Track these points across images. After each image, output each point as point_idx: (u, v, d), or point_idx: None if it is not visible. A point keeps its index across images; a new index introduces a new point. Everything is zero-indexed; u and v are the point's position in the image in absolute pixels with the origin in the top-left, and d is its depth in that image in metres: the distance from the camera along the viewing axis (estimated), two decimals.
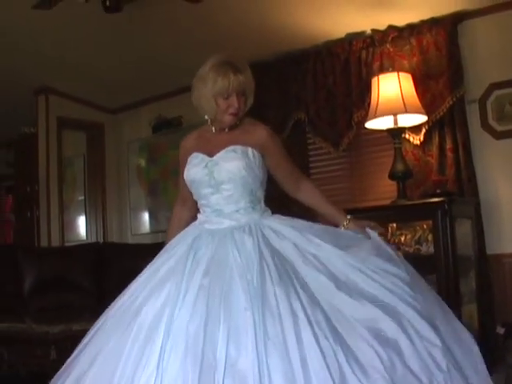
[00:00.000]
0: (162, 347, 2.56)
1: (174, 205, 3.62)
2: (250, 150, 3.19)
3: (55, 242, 7.85)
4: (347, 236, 3.26)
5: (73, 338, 4.31)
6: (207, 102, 3.19)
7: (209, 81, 3.14)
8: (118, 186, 8.62)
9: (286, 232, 3.11)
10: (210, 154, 3.23)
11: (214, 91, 3.14)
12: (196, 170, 3.24)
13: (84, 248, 7.53)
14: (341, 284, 2.87)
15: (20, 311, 6.23)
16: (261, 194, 3.28)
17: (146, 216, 8.30)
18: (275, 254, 2.95)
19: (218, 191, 3.18)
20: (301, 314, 2.60)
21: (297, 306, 2.64)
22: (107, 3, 4.90)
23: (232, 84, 3.10)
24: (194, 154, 3.29)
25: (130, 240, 8.35)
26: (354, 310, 2.73)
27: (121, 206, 8.59)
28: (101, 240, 8.41)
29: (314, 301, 2.73)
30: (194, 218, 3.37)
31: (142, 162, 8.34)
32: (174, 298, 2.75)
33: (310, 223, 3.25)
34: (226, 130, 3.28)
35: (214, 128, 3.31)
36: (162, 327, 2.64)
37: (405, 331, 2.70)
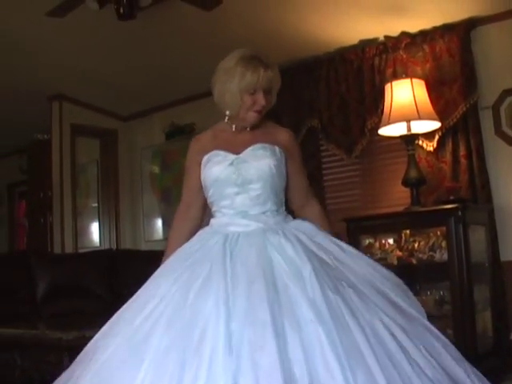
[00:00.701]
0: (225, 368, 2.22)
1: (176, 214, 3.36)
2: (277, 148, 3.07)
3: (68, 249, 7.87)
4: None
5: (86, 344, 4.32)
6: (232, 97, 3.01)
7: (236, 75, 2.97)
8: (132, 193, 8.64)
9: (317, 236, 2.95)
10: (235, 152, 3.05)
11: (241, 86, 2.97)
12: (220, 167, 3.03)
13: (97, 254, 7.55)
14: (388, 297, 2.73)
15: (33, 317, 6.25)
16: (283, 196, 3.14)
17: (159, 223, 8.31)
18: (319, 260, 2.75)
19: (244, 191, 2.99)
20: (364, 323, 2.45)
21: (359, 314, 2.48)
22: (121, 11, 4.91)
23: (261, 80, 2.96)
24: (214, 152, 3.09)
25: (143, 247, 8.36)
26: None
27: (134, 213, 8.61)
28: (114, 246, 8.43)
29: (373, 307, 2.57)
30: (196, 230, 3.17)
31: (155, 169, 8.36)
32: (224, 306, 2.44)
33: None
34: (248, 129, 3.13)
35: (234, 126, 3.14)
36: (221, 340, 2.30)
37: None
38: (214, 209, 3.12)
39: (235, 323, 2.36)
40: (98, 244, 8.86)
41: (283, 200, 3.12)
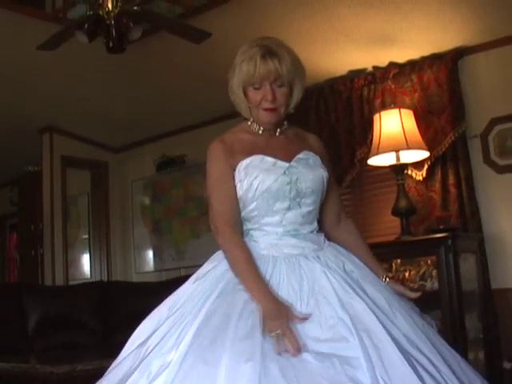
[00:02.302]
0: None
1: (228, 234, 2.54)
2: (319, 158, 2.68)
3: (59, 281, 7.84)
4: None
5: (77, 378, 4.30)
6: (235, 95, 2.64)
7: (236, 67, 2.59)
8: (122, 225, 8.63)
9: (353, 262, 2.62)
10: (282, 159, 2.60)
11: (239, 79, 2.57)
12: (272, 176, 2.54)
13: (88, 286, 7.53)
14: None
15: (24, 350, 6.22)
16: None
17: (150, 254, 8.30)
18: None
19: (296, 206, 2.56)
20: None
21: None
22: (110, 44, 4.94)
23: (258, 69, 2.50)
24: (259, 157, 2.59)
25: (134, 278, 8.34)
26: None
27: (125, 244, 8.60)
28: (105, 278, 8.40)
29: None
30: None
31: (146, 201, 8.36)
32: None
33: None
34: (278, 131, 2.70)
35: (261, 128, 2.67)
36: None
37: None
38: (250, 226, 2.64)
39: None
40: (88, 276, 8.84)
41: None
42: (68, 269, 8.10)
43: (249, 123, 2.70)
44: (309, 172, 2.59)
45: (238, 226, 2.60)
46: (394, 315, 2.36)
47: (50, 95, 6.97)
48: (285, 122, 2.72)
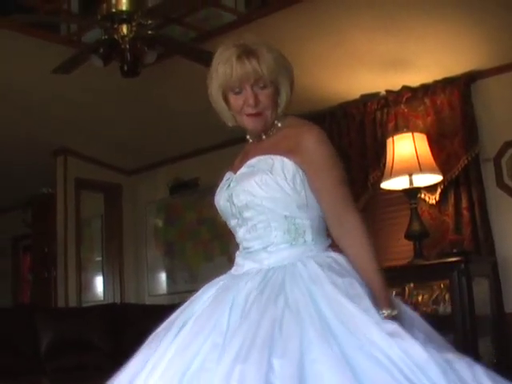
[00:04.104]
0: None
1: None
2: (278, 159, 2.30)
3: (72, 303, 7.85)
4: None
5: None
6: (215, 102, 2.48)
7: (213, 72, 2.42)
8: (136, 247, 8.63)
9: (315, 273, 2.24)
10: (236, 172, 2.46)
11: (217, 83, 2.40)
12: (219, 194, 2.47)
13: (101, 309, 7.53)
14: None
15: (36, 372, 6.21)
16: (308, 220, 2.34)
17: (163, 277, 8.29)
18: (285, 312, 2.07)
19: (244, 221, 2.36)
20: None
21: None
22: (125, 68, 4.97)
23: (236, 71, 2.32)
24: (225, 174, 2.53)
25: (147, 301, 8.33)
26: None
27: (138, 267, 8.59)
28: (118, 300, 8.39)
29: None
30: None
31: (159, 223, 8.37)
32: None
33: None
34: (263, 137, 2.46)
35: (248, 137, 2.54)
36: None
37: None
38: None
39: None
40: (101, 298, 8.83)
41: (308, 225, 2.36)
42: (81, 291, 8.11)
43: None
44: (244, 183, 2.34)
45: None
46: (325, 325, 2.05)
47: (64, 118, 7.01)
48: (278, 123, 2.47)
